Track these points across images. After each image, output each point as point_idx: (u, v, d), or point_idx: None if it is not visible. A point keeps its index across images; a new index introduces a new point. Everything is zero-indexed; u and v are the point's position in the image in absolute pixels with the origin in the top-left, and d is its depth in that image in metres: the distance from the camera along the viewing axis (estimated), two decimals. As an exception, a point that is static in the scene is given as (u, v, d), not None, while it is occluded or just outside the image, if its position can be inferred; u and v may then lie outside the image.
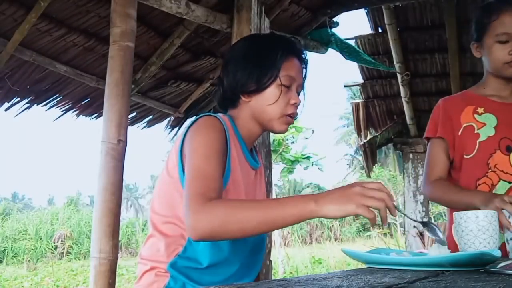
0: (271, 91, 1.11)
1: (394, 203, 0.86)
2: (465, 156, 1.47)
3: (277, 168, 11.22)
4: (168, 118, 4.27)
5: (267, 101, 1.11)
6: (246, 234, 0.90)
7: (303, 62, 1.18)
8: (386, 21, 3.79)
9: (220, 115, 1.13)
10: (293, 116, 1.15)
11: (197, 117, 1.08)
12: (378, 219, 0.86)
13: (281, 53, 1.12)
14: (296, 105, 1.14)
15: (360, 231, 21.72)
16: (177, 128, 4.37)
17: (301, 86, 1.17)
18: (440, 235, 0.97)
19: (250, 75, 1.11)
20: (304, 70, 1.19)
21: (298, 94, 1.17)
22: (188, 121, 1.12)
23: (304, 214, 0.85)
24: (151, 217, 1.12)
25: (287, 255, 10.02)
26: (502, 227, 1.12)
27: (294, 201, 0.87)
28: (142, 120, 4.15)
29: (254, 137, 1.19)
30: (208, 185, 0.94)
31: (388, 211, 0.86)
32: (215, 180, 0.97)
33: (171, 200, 1.07)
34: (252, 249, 1.15)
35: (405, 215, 1.09)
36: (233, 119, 1.16)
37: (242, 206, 0.90)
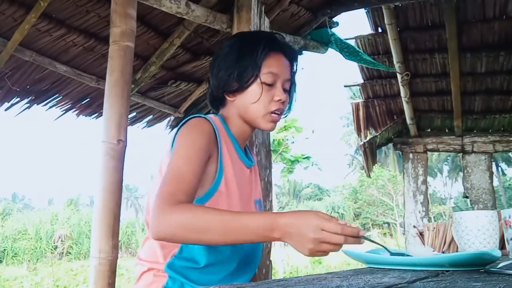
0: (253, 90, 1.10)
1: (361, 234, 0.82)
2: None
3: (277, 168, 11.22)
4: (168, 118, 4.27)
5: (250, 100, 1.10)
6: (202, 243, 0.93)
7: (289, 57, 1.15)
8: (386, 21, 3.79)
9: (211, 116, 1.13)
10: (279, 113, 1.12)
11: (187, 119, 1.08)
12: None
13: (261, 50, 1.10)
14: (280, 101, 1.11)
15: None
16: (177, 128, 4.37)
17: (289, 81, 1.14)
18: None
19: (231, 74, 1.10)
20: (292, 64, 1.16)
21: (287, 90, 1.14)
22: (182, 122, 1.10)
23: (263, 240, 0.87)
24: (146, 219, 1.11)
25: (287, 255, 10.02)
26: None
27: (257, 226, 0.85)
28: (142, 120, 4.15)
29: (246, 135, 1.18)
30: (180, 187, 0.93)
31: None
32: (189, 182, 0.95)
33: None
34: (249, 247, 1.15)
35: (373, 241, 0.99)
36: (224, 119, 1.16)
37: (206, 216, 0.88)
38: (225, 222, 0.87)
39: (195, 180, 0.97)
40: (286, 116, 1.23)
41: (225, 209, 1.05)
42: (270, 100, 1.10)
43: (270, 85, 1.10)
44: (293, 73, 1.17)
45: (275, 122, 1.13)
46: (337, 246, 0.81)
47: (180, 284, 1.05)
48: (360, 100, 5.27)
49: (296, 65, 1.18)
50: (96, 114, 3.76)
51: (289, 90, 1.17)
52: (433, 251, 1.03)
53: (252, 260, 1.17)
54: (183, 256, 1.06)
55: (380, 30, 4.19)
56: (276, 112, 1.11)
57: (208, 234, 0.86)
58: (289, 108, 1.21)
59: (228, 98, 1.14)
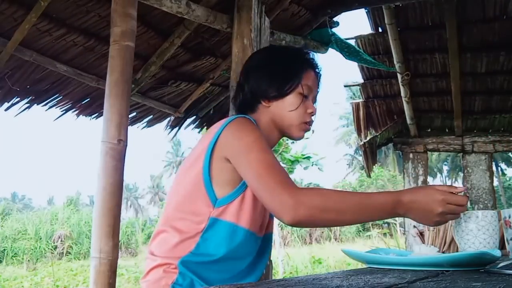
0: (291, 99, 1.17)
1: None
2: None
3: (277, 168, 11.17)
4: (168, 118, 4.27)
5: (287, 108, 1.17)
6: (337, 224, 0.97)
7: (319, 75, 1.26)
8: (386, 21, 3.79)
9: (248, 116, 1.17)
10: (309, 124, 1.21)
11: (233, 117, 1.10)
12: None
13: (303, 64, 1.21)
14: (312, 114, 1.21)
15: (360, 231, 21.72)
16: (177, 128, 4.37)
17: (315, 98, 1.25)
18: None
19: (272, 82, 1.18)
20: (319, 83, 1.26)
21: (313, 104, 1.24)
22: (221, 122, 1.11)
23: (389, 216, 0.95)
24: (166, 213, 1.13)
25: (287, 255, 10.02)
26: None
27: (385, 203, 0.93)
28: (142, 120, 4.15)
29: (273, 142, 1.24)
30: (284, 175, 0.98)
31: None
32: (283, 169, 1.00)
33: (190, 196, 1.09)
34: (260, 249, 1.17)
35: None
36: (256, 123, 1.18)
37: (341, 197, 0.94)
38: (359, 202, 0.93)
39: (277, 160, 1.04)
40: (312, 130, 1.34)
41: (250, 211, 1.09)
42: (304, 112, 1.19)
43: (305, 97, 1.19)
44: (318, 91, 1.26)
45: (305, 131, 1.22)
46: (457, 216, 0.95)
47: (190, 280, 1.06)
48: (360, 100, 5.27)
49: (321, 84, 1.28)
50: (96, 114, 3.76)
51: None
52: (438, 250, 1.03)
53: (259, 263, 1.19)
54: (199, 252, 1.07)
55: (380, 30, 4.19)
56: (308, 123, 1.21)
57: (345, 214, 0.92)
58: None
59: (263, 103, 1.19)
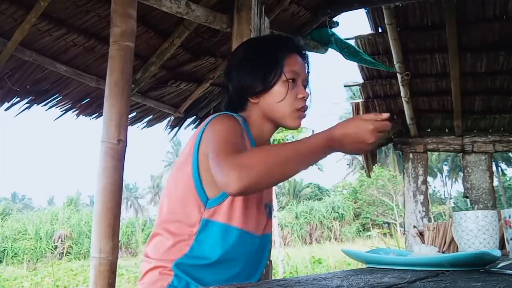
0: (278, 89, 1.13)
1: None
2: None
3: (277, 168, 11.17)
4: (168, 118, 4.27)
5: (275, 99, 1.13)
6: (285, 176, 0.93)
7: (304, 58, 1.20)
8: (386, 21, 3.79)
9: (233, 114, 1.14)
10: (303, 110, 1.16)
11: (215, 115, 1.09)
12: None
13: (282, 50, 1.14)
14: (304, 99, 1.15)
15: (360, 231, 21.72)
16: (177, 128, 4.37)
17: (306, 81, 1.19)
18: None
19: (255, 76, 1.13)
20: (306, 65, 1.21)
21: (304, 88, 1.18)
22: (206, 120, 1.10)
23: (328, 153, 0.95)
24: (159, 215, 1.12)
25: (287, 255, 10.02)
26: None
27: (319, 144, 0.93)
28: (142, 120, 4.15)
29: (267, 136, 1.21)
30: (235, 148, 0.94)
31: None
32: (238, 143, 0.97)
33: (182, 197, 1.08)
34: (257, 250, 1.15)
35: None
36: (245, 121, 1.16)
37: (277, 150, 0.92)
38: (296, 149, 0.92)
39: (243, 143, 1.00)
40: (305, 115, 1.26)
41: (241, 209, 1.07)
42: (294, 98, 1.13)
43: (293, 83, 1.14)
44: (308, 73, 1.21)
45: (301, 119, 1.16)
46: (387, 127, 0.96)
47: (186, 283, 1.05)
48: (360, 100, 5.27)
49: (309, 66, 1.22)
50: (96, 114, 3.76)
51: (306, 87, 1.21)
52: (438, 250, 1.03)
53: (258, 265, 1.17)
54: (193, 254, 1.06)
55: (380, 30, 4.19)
56: (302, 109, 1.15)
57: (288, 164, 0.90)
58: (309, 106, 1.24)
59: (251, 100, 1.15)
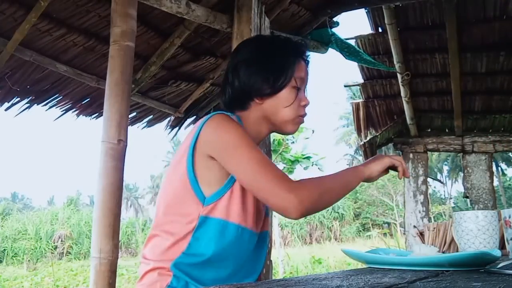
0: (286, 94, 1.13)
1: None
2: None
3: (277, 168, 11.19)
4: (168, 118, 4.27)
5: (282, 103, 1.13)
6: (335, 200, 1.06)
7: (308, 63, 1.21)
8: (386, 21, 3.79)
9: (228, 114, 1.12)
10: (303, 117, 1.18)
11: (210, 114, 1.07)
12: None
13: (294, 56, 1.15)
14: (305, 106, 1.17)
15: (360, 231, 21.72)
16: (177, 128, 4.37)
17: (305, 87, 1.20)
18: None
19: (264, 78, 1.12)
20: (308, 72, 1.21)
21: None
22: (201, 120, 1.09)
23: (360, 178, 1.11)
24: (157, 217, 1.11)
25: (287, 255, 10.02)
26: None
27: (351, 172, 1.11)
28: (142, 120, 4.15)
29: (260, 138, 1.20)
30: (280, 171, 1.00)
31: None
32: (277, 167, 1.02)
33: (178, 197, 1.07)
34: (255, 247, 1.15)
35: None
36: (240, 119, 1.15)
37: (324, 179, 1.05)
38: (340, 177, 1.08)
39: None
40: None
41: (239, 204, 1.07)
42: (299, 105, 1.15)
43: (298, 90, 1.15)
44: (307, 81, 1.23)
45: (300, 124, 1.19)
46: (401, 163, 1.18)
47: (185, 283, 1.04)
48: (360, 100, 5.27)
49: (309, 72, 1.23)
50: (96, 114, 3.76)
51: None
52: (438, 250, 1.03)
53: (256, 262, 1.17)
54: (191, 252, 1.05)
55: (380, 30, 4.19)
56: (302, 116, 1.17)
57: (334, 191, 1.04)
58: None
59: (256, 101, 1.14)
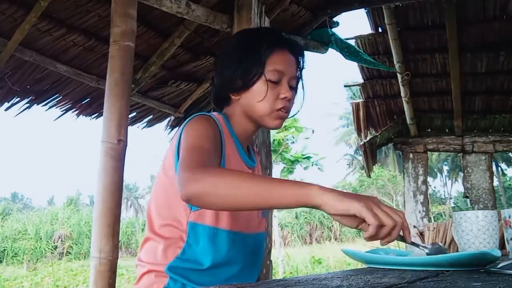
0: (259, 87, 1.07)
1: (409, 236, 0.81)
2: None
3: (277, 168, 11.22)
4: (168, 118, 4.27)
5: (255, 98, 1.08)
6: (235, 203, 0.83)
7: (295, 53, 1.13)
8: (386, 21, 3.79)
9: (214, 113, 1.12)
10: (285, 110, 1.10)
11: (191, 116, 1.07)
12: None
13: (266, 47, 1.08)
14: (286, 99, 1.09)
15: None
16: (177, 128, 4.37)
17: (295, 78, 1.12)
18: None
19: (235, 72, 1.09)
20: (298, 61, 1.13)
21: (293, 87, 1.12)
22: (184, 122, 1.09)
23: (302, 196, 0.78)
24: (148, 220, 1.10)
25: (287, 255, 10.02)
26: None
27: (296, 183, 0.82)
28: (142, 120, 4.15)
29: (249, 134, 1.17)
30: (204, 157, 0.91)
31: (401, 237, 0.81)
32: (211, 154, 0.94)
33: (168, 201, 1.06)
34: (252, 249, 1.14)
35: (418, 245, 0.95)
36: (227, 118, 1.14)
37: (238, 174, 0.86)
38: (262, 178, 0.87)
39: (215, 154, 0.98)
40: (295, 114, 1.21)
41: (227, 213, 1.05)
42: (275, 98, 1.08)
43: (276, 83, 1.08)
44: (299, 70, 1.15)
45: (281, 119, 1.11)
46: (392, 221, 0.75)
47: (182, 285, 1.04)
48: (360, 100, 5.27)
49: (303, 62, 1.16)
50: (96, 114, 3.76)
51: (296, 87, 1.15)
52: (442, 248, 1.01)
53: (254, 264, 1.16)
54: (186, 257, 1.04)
55: (380, 30, 4.19)
56: (282, 110, 1.09)
57: (241, 189, 0.81)
58: (302, 104, 1.19)
59: (233, 97, 1.12)
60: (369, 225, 0.74)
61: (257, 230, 1.17)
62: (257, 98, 1.08)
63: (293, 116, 1.19)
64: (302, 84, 1.17)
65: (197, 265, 1.05)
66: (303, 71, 1.16)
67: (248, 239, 1.12)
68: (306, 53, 1.17)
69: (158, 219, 1.08)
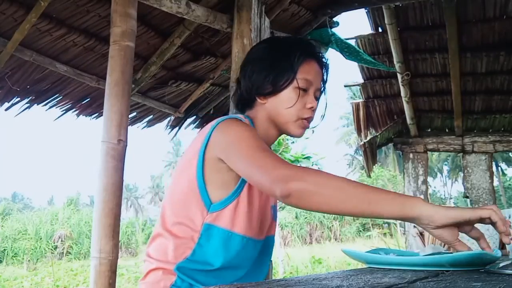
0: (288, 94, 1.09)
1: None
2: None
3: (277, 168, 11.19)
4: (168, 118, 4.27)
5: (283, 104, 1.10)
6: (337, 205, 0.84)
7: (323, 66, 1.16)
8: (386, 21, 3.79)
9: (241, 116, 1.12)
10: (309, 120, 1.13)
11: (222, 118, 1.06)
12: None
13: (299, 55, 1.10)
14: (312, 109, 1.12)
15: (360, 231, 21.70)
16: (177, 128, 4.37)
17: (319, 91, 1.15)
18: None
19: (266, 77, 1.10)
20: (323, 74, 1.16)
21: (317, 99, 1.14)
22: (211, 123, 1.08)
23: (408, 207, 0.80)
24: (161, 217, 1.10)
25: (287, 255, 10.02)
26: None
27: (399, 194, 0.84)
28: (142, 120, 4.15)
29: (271, 139, 1.17)
30: (276, 156, 0.92)
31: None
32: (274, 153, 0.95)
33: (184, 199, 1.06)
34: (261, 253, 1.14)
35: None
36: (252, 122, 1.14)
37: (340, 177, 0.86)
38: (366, 186, 0.85)
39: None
40: (315, 127, 1.22)
41: (244, 216, 1.05)
42: (302, 107, 1.10)
43: (305, 91, 1.10)
44: (323, 83, 1.17)
45: (304, 128, 1.13)
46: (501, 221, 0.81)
47: (189, 285, 1.04)
48: (360, 100, 5.28)
49: (327, 75, 1.18)
50: (96, 114, 3.76)
51: (318, 99, 1.16)
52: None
53: (261, 268, 1.17)
54: (195, 259, 1.04)
55: (380, 30, 4.19)
56: (306, 119, 1.12)
57: (346, 192, 0.82)
58: (322, 117, 1.22)
59: (259, 100, 1.13)
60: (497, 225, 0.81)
61: (268, 234, 1.17)
62: (285, 104, 1.09)
63: (313, 128, 1.20)
64: (325, 97, 1.19)
65: (206, 266, 1.05)
66: (326, 84, 1.18)
67: (258, 244, 1.13)
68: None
69: (172, 216, 1.08)
